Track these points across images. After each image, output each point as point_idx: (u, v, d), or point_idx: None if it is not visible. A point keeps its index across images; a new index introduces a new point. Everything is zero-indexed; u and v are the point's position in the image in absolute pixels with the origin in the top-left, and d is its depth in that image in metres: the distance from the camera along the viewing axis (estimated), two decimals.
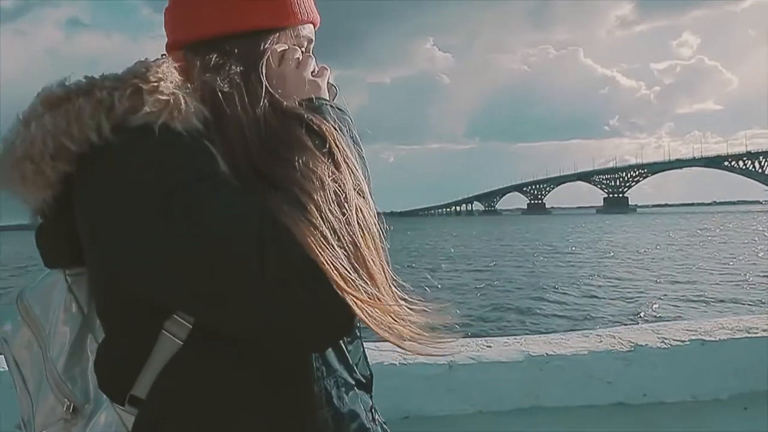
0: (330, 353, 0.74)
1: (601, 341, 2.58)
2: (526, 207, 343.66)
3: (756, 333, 2.60)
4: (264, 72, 0.75)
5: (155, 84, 0.67)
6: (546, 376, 2.46)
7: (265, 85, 0.74)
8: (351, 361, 0.78)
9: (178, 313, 0.67)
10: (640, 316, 12.50)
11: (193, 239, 0.60)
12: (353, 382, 0.77)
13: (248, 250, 0.58)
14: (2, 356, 0.82)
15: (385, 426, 0.83)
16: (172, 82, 0.69)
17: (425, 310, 0.68)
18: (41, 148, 0.65)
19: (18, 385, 0.79)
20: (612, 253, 30.52)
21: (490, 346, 2.55)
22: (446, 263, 28.67)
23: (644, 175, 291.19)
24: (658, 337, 2.59)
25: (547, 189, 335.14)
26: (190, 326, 0.67)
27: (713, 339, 2.56)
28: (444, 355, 0.61)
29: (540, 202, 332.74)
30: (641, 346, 2.54)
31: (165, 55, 0.80)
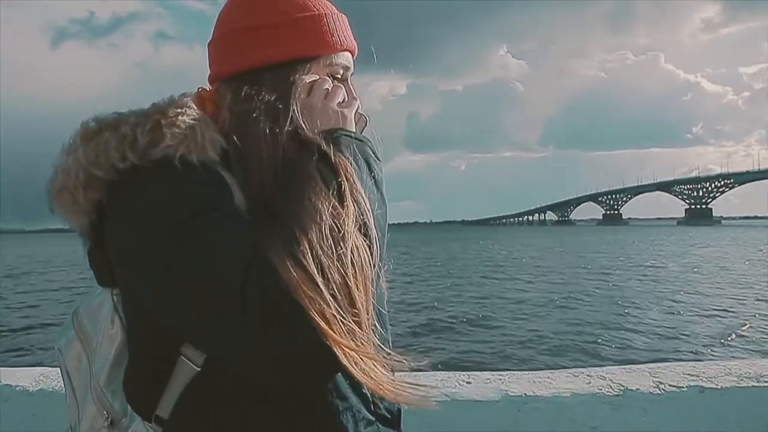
0: (345, 386, 0.74)
1: (590, 382, 2.43)
2: (601, 217, 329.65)
3: (766, 382, 2.35)
4: (292, 103, 0.77)
5: (173, 118, 0.72)
6: (524, 417, 2.34)
7: (290, 116, 0.76)
8: (370, 396, 0.77)
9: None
10: (729, 338, 11.63)
11: (189, 269, 0.62)
12: (373, 418, 0.77)
13: (233, 286, 0.60)
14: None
15: None
16: (189, 116, 0.73)
17: (402, 358, 0.68)
18: (75, 181, 0.71)
19: (68, 393, 0.86)
20: (697, 269, 28.56)
21: (469, 383, 2.47)
22: (521, 274, 27.85)
23: (730, 185, 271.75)
24: (653, 381, 2.41)
25: (624, 199, 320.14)
26: (205, 354, 0.69)
27: (714, 386, 2.35)
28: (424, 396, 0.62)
29: (616, 212, 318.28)
30: (632, 390, 2.37)
31: (202, 88, 0.84)
